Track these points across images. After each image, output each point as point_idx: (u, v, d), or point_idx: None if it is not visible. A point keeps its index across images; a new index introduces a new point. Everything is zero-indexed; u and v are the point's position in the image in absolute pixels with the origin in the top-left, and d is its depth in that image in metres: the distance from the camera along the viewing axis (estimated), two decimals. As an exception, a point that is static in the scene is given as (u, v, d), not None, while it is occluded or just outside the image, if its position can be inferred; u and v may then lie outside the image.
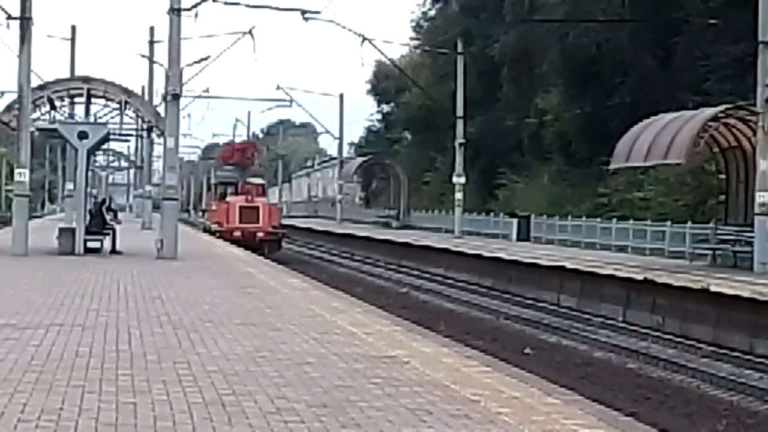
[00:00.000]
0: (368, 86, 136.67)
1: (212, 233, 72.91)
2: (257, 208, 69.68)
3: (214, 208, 79.88)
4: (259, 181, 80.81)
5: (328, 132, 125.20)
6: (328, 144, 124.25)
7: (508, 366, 17.17)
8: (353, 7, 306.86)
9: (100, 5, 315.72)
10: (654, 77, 67.29)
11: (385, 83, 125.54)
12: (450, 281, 57.37)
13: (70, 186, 50.98)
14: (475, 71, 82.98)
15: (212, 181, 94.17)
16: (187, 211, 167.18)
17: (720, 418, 24.37)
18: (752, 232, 40.96)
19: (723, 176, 47.18)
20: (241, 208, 69.41)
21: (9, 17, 40.55)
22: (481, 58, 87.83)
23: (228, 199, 74.10)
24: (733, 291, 35.61)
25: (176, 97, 42.67)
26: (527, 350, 32.45)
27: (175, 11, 41.06)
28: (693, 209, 55.60)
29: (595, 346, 35.66)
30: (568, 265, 49.00)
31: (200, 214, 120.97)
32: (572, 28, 74.46)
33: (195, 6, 41.96)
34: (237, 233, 65.45)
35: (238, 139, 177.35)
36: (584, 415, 12.34)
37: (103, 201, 51.38)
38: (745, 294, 34.66)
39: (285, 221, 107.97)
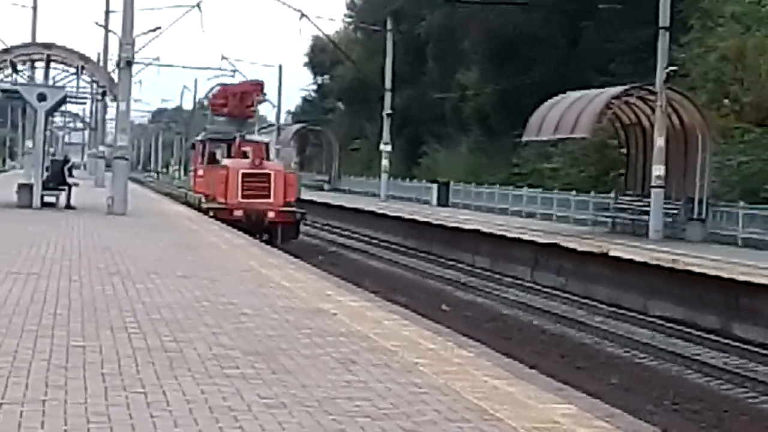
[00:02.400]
0: (305, 59, 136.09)
1: (199, 209, 46.59)
2: (267, 176, 43.21)
3: (201, 174, 52.05)
4: (262, 138, 56.20)
5: (267, 100, 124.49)
6: (267, 111, 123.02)
7: (425, 320, 17.29)
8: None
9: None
10: (565, 58, 67.60)
11: (321, 57, 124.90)
12: (376, 241, 57.40)
13: (29, 144, 50.52)
14: (403, 48, 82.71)
15: (198, 137, 60.38)
16: (147, 170, 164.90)
17: (615, 372, 24.72)
18: (649, 202, 41.32)
19: (624, 150, 47.51)
20: (244, 176, 43.02)
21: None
22: (408, 36, 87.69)
23: (225, 162, 47.02)
24: (630, 256, 35.98)
25: (129, 64, 42.58)
26: (444, 307, 32.64)
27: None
28: (596, 180, 55.84)
29: (505, 303, 35.91)
30: (483, 228, 49.22)
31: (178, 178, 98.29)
32: (492, 10, 74.57)
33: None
34: (238, 212, 41.43)
35: (186, 106, 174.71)
36: (492, 367, 12.39)
37: (66, 160, 50.90)
38: (640, 259, 35.07)
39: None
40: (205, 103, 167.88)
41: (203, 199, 46.63)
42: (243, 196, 42.16)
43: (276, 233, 40.92)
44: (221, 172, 44.65)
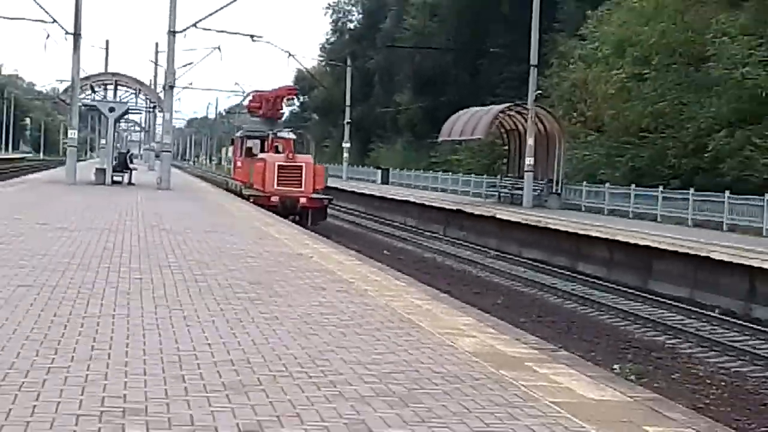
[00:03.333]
0: (291, 84, 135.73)
1: (239, 195, 40.98)
2: (300, 168, 38.07)
3: (239, 165, 46.36)
4: (288, 135, 46.17)
5: (294, 103, 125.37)
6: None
7: (373, 261, 17.31)
8: (286, 33, 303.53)
9: (129, 23, 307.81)
10: (467, 85, 67.58)
11: (302, 83, 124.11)
12: (338, 207, 57.39)
13: (103, 141, 50.37)
14: (358, 78, 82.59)
15: (237, 134, 54.27)
16: (184, 160, 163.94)
17: (499, 295, 24.85)
18: (522, 182, 41.49)
19: (506, 147, 47.58)
20: (280, 168, 37.83)
21: (67, 33, 39.92)
22: (361, 70, 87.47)
23: (263, 155, 41.03)
24: (509, 218, 36.12)
25: (171, 87, 42.42)
26: (385, 252, 32.68)
27: (171, 33, 40.67)
28: (488, 167, 55.82)
29: (426, 250, 36.05)
30: (411, 199, 49.33)
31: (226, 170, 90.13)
32: (418, 52, 74.78)
33: (184, 30, 41.75)
34: (274, 199, 35.94)
35: (210, 116, 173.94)
36: (417, 292, 12.42)
37: (128, 152, 50.77)
38: (516, 219, 35.21)
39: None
40: (223, 113, 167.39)
41: (243, 187, 40.60)
42: (278, 185, 36.23)
43: (306, 216, 35.46)
44: (260, 164, 38.29)
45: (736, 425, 11.03)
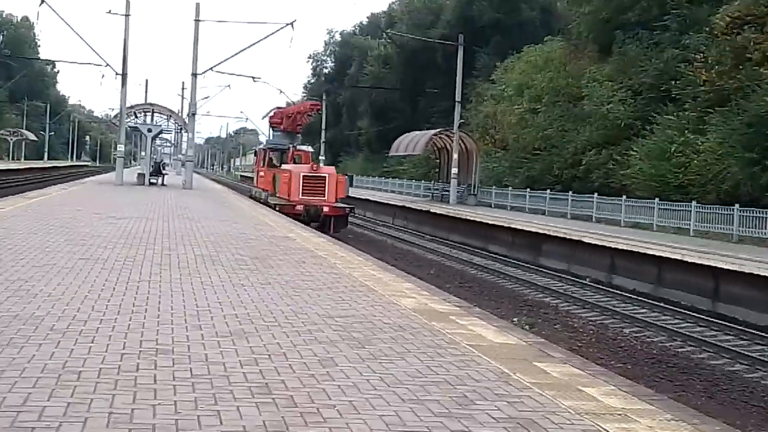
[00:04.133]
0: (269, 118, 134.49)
1: (264, 203, 33.53)
2: (323, 178, 31.56)
3: (262, 174, 39.01)
4: (307, 148, 40.18)
5: (263, 133, 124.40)
6: (264, 139, 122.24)
7: (341, 242, 17.23)
8: (278, 75, 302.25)
9: (164, 65, 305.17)
10: (411, 115, 67.46)
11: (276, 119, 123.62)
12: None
13: (143, 154, 49.96)
14: (331, 109, 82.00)
15: (261, 146, 48.32)
16: (204, 167, 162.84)
17: (432, 267, 24.86)
18: (449, 186, 41.55)
19: (437, 161, 47.61)
20: (304, 178, 31.25)
21: (117, 74, 39.52)
22: (333, 102, 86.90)
23: (288, 167, 34.03)
24: (439, 211, 36.20)
25: (193, 114, 41.93)
26: (350, 236, 32.61)
27: (194, 75, 40.17)
28: (424, 174, 55.65)
29: (379, 234, 36.00)
30: (370, 198, 49.27)
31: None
32: (374, 91, 74.60)
33: (203, 73, 41.30)
34: (299, 207, 29.79)
35: (222, 135, 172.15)
36: (372, 265, 12.40)
37: (162, 162, 50.28)
38: (445, 213, 35.28)
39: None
40: (232, 134, 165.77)
41: (267, 196, 33.28)
42: (303, 194, 29.60)
43: (329, 224, 29.11)
44: (285, 175, 30.96)
45: (601, 362, 11.12)
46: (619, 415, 5.01)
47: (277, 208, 28.43)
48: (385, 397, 5.10)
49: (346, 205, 31.59)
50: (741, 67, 27.88)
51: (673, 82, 31.87)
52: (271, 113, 41.66)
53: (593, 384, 5.73)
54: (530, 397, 5.29)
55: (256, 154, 45.66)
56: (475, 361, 6.18)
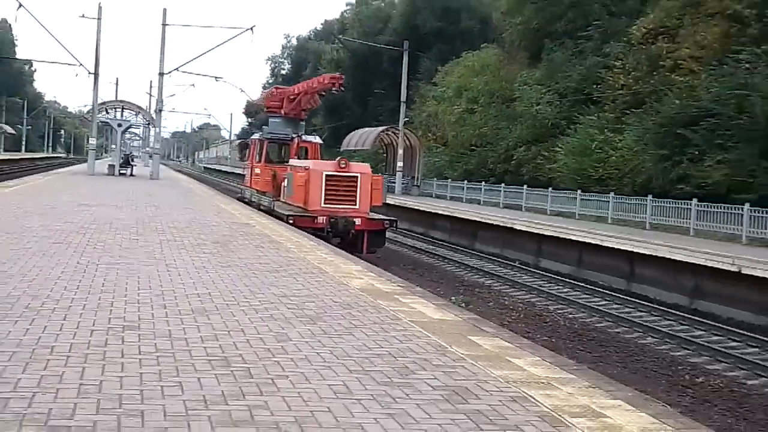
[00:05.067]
0: (243, 109, 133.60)
1: (265, 210, 21.61)
2: (355, 179, 18.45)
3: (257, 172, 25.36)
4: (315, 139, 26.52)
5: (226, 129, 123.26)
6: (226, 134, 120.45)
7: (295, 229, 17.10)
8: (239, 74, 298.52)
9: (133, 64, 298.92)
10: (360, 114, 67.09)
11: (251, 108, 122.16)
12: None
13: (113, 146, 49.01)
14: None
15: (255, 136, 27.45)
16: (170, 159, 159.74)
17: (381, 253, 24.85)
18: (395, 178, 41.55)
19: (385, 155, 47.58)
20: (329, 179, 18.36)
21: (90, 73, 38.72)
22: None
23: (301, 163, 21.50)
24: (387, 201, 36.21)
25: (160, 110, 41.31)
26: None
27: (160, 74, 39.43)
28: (373, 168, 55.24)
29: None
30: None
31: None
32: (327, 91, 74.01)
33: (169, 72, 40.44)
34: (321, 220, 17.84)
35: (187, 131, 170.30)
36: (326, 250, 12.31)
37: (130, 154, 49.28)
38: (391, 202, 35.24)
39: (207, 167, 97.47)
40: (196, 129, 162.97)
41: (271, 201, 22.34)
42: (327, 201, 19.10)
43: (361, 240, 19.09)
44: (301, 174, 20.01)
45: (528, 336, 11.25)
46: (543, 383, 5.08)
47: (291, 221, 18.15)
48: (334, 368, 5.10)
49: (385, 217, 20.55)
50: (654, 73, 28.32)
51: (594, 86, 32.27)
52: (268, 94, 29.34)
53: (521, 355, 5.80)
54: (464, 367, 5.33)
55: (244, 146, 31.40)
56: (415, 336, 6.21)
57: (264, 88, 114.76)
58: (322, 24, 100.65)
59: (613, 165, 28.24)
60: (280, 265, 9.88)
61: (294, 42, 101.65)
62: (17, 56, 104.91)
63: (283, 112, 25.77)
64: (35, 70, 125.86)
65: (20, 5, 35.76)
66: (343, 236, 18.69)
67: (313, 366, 5.12)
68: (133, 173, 42.18)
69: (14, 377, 4.53)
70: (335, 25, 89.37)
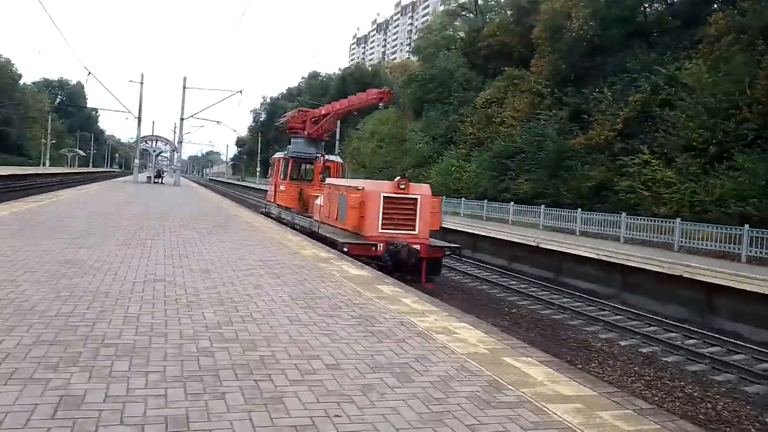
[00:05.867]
0: (235, 140, 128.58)
1: (308, 232, 11.25)
2: (414, 201, 7.60)
3: (282, 189, 14.69)
4: (336, 158, 14.99)
5: (223, 155, 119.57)
6: (223, 157, 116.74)
7: (292, 231, 16.66)
8: (233, 120, 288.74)
9: (166, 110, 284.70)
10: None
11: (240, 141, 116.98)
12: (257, 198, 54.62)
13: (150, 165, 46.97)
14: (264, 142, 79.51)
15: (279, 154, 16.41)
16: (187, 174, 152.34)
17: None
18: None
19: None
20: (387, 201, 7.70)
21: (135, 117, 36.94)
22: (266, 138, 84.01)
23: (354, 183, 9.56)
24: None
25: (180, 142, 39.69)
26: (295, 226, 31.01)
27: (181, 119, 37.82)
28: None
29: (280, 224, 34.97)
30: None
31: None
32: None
33: (187, 118, 38.90)
34: (378, 248, 7.46)
35: (200, 155, 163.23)
36: (287, 232, 12.01)
37: (161, 169, 47.03)
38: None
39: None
40: (206, 154, 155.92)
41: (313, 222, 12.99)
42: (384, 226, 9.28)
43: (419, 269, 9.19)
44: (355, 196, 9.80)
45: (491, 320, 9.05)
46: (419, 312, 5.20)
47: (345, 249, 9.36)
48: (290, 305, 5.11)
49: (446, 244, 10.76)
50: (489, 126, 29.34)
51: (454, 133, 33.15)
52: (291, 115, 19.05)
53: (408, 297, 5.91)
54: (372, 304, 5.40)
55: (270, 164, 20.36)
56: (343, 285, 6.24)
57: (249, 129, 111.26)
58: (286, 89, 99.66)
59: (464, 181, 29.05)
60: (257, 242, 9.63)
61: (268, 100, 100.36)
62: (87, 105, 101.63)
63: (306, 132, 17.11)
64: (99, 115, 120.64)
65: (89, 73, 34.98)
66: (406, 265, 9.71)
67: (276, 304, 5.10)
68: (163, 182, 40.47)
69: (81, 312, 4.42)
70: (294, 91, 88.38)
